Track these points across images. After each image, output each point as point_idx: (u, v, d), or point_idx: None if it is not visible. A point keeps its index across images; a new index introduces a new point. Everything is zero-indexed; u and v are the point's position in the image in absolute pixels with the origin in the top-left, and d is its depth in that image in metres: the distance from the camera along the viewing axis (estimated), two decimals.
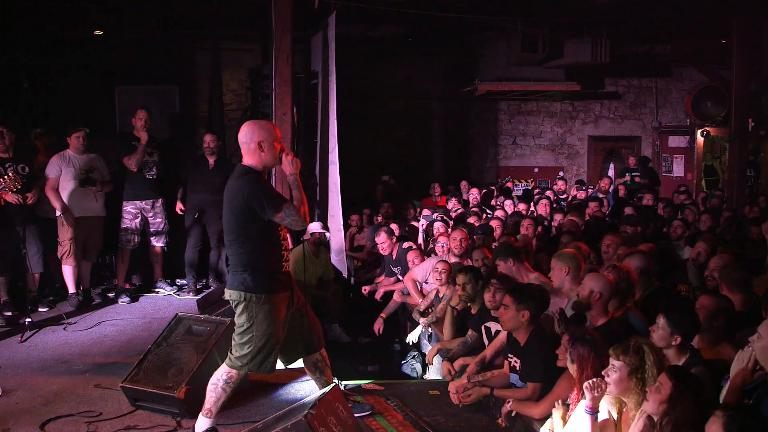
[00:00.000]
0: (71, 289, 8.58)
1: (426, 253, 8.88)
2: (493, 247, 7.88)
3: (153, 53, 12.21)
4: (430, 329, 7.26)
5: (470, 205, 11.71)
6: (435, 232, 9.26)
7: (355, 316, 9.02)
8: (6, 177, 6.90)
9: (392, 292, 8.61)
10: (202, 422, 4.70)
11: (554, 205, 11.40)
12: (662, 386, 3.50)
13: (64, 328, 7.72)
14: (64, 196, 8.37)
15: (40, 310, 8.32)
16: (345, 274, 9.60)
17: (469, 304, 6.49)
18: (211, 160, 9.24)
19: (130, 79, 12.23)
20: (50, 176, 8.35)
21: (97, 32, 12.03)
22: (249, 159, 4.66)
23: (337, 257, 9.49)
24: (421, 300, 7.83)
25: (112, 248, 9.28)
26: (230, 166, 8.33)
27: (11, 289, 8.27)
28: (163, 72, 12.41)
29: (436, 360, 6.45)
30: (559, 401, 4.32)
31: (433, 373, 6.57)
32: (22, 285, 8.17)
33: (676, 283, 6.87)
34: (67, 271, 8.54)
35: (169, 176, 9.45)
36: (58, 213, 8.37)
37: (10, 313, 7.92)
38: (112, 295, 9.05)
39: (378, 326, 8.23)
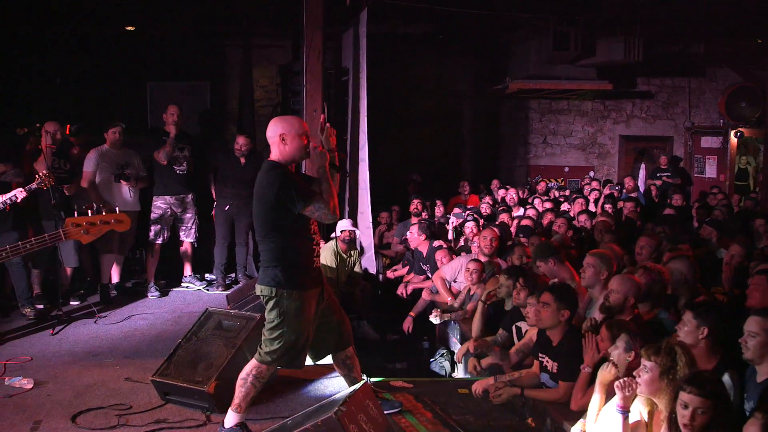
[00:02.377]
0: (104, 280, 8.67)
1: (455, 251, 8.85)
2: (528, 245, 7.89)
3: (184, 49, 12.26)
4: (438, 319, 7.34)
5: (505, 204, 11.66)
6: (468, 232, 9.21)
7: (383, 313, 9.01)
8: (39, 175, 6.95)
9: (421, 290, 8.59)
10: (232, 417, 4.70)
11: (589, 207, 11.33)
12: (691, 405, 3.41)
13: (95, 322, 7.78)
14: (100, 190, 8.47)
15: (71, 303, 8.40)
16: (374, 272, 9.59)
17: (504, 300, 6.46)
18: (243, 159, 9.27)
19: (162, 75, 12.32)
20: (87, 170, 8.45)
21: (129, 28, 12.10)
22: (275, 153, 4.67)
23: (366, 254, 9.48)
24: (450, 298, 7.81)
25: (142, 243, 9.36)
26: (261, 161, 8.36)
27: (43, 282, 8.39)
28: (195, 68, 12.47)
29: (465, 358, 6.42)
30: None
31: (462, 372, 6.53)
32: (53, 278, 8.26)
33: (710, 286, 6.75)
34: (105, 262, 8.64)
35: (200, 172, 9.50)
36: (95, 206, 8.46)
37: (42, 306, 8.01)
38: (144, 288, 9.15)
39: (407, 325, 8.21)
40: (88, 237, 4.32)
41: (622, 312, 5.13)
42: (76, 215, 5.02)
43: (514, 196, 12.20)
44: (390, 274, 9.86)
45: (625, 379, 3.86)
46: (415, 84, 15.02)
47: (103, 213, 4.38)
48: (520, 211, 11.16)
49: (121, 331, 7.54)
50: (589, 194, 12.36)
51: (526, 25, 12.66)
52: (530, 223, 9.28)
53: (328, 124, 4.80)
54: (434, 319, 7.50)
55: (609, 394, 4.12)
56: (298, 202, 4.46)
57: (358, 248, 9.13)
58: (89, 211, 4.50)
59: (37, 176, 6.95)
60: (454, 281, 8.11)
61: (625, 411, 3.83)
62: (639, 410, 3.91)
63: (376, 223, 10.73)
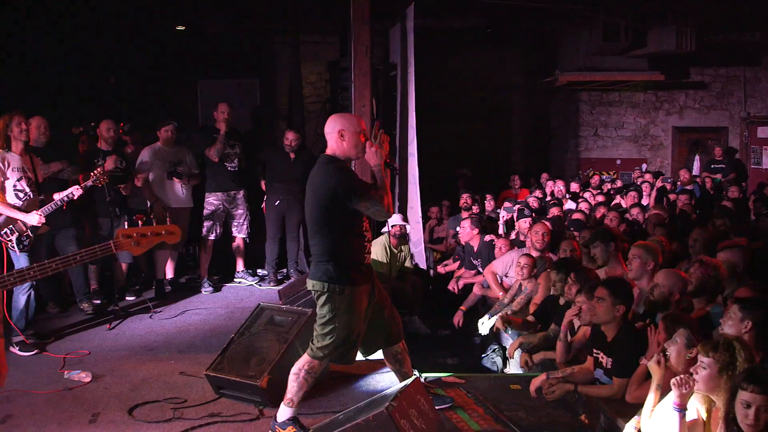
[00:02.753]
0: (159, 276, 8.81)
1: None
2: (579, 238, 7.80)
3: (234, 47, 12.38)
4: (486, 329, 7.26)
5: (553, 197, 11.55)
6: (524, 227, 9.10)
7: (434, 308, 8.99)
8: (95, 172, 7.08)
9: (472, 285, 8.56)
10: (284, 411, 4.73)
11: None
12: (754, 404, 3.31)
13: (150, 317, 7.92)
14: (153, 187, 8.61)
15: (127, 298, 8.56)
16: (423, 266, 9.57)
17: (558, 295, 6.42)
18: (293, 154, 9.33)
19: (212, 73, 12.44)
20: (141, 168, 8.60)
21: (180, 27, 12.25)
22: (331, 148, 4.69)
23: (416, 249, 9.47)
24: (501, 293, 7.77)
25: (196, 239, 9.48)
26: (311, 156, 8.40)
27: (100, 278, 8.56)
28: (244, 66, 12.57)
29: (517, 354, 6.39)
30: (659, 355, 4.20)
31: (514, 367, 6.49)
32: (110, 274, 8.43)
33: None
34: (160, 258, 8.78)
35: (251, 168, 9.58)
36: (149, 204, 8.62)
37: (99, 301, 8.20)
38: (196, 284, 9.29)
39: (458, 319, 8.19)
40: (139, 249, 4.21)
41: (666, 307, 5.05)
42: (126, 226, 4.94)
43: (561, 188, 12.07)
44: (441, 269, 9.84)
45: (682, 376, 3.78)
46: (464, 78, 14.94)
47: (154, 224, 4.38)
48: (569, 204, 11.04)
49: (176, 326, 7.67)
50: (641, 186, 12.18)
51: (576, 16, 12.51)
52: (582, 217, 9.17)
53: (381, 131, 4.80)
54: (483, 329, 7.45)
55: (663, 390, 4.06)
56: (355, 197, 4.48)
57: (409, 243, 9.12)
58: (139, 222, 4.51)
59: (92, 174, 7.07)
60: (506, 276, 8.06)
61: (681, 409, 3.76)
62: (696, 407, 3.83)
63: (426, 218, 10.71)
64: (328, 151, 4.69)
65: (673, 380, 3.78)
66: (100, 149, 8.26)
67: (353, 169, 5.19)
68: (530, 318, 6.69)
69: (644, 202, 11.09)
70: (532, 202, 10.85)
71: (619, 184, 13.87)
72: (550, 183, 12.82)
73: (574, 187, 12.57)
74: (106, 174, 7.17)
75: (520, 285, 7.41)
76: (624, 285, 5.22)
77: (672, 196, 11.28)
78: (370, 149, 4.66)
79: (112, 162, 7.91)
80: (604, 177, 14.86)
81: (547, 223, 8.37)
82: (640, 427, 4.16)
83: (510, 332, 7.01)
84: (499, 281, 8.07)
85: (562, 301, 6.30)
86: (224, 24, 12.28)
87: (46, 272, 3.96)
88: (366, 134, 4.73)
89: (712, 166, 14.05)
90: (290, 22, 12.51)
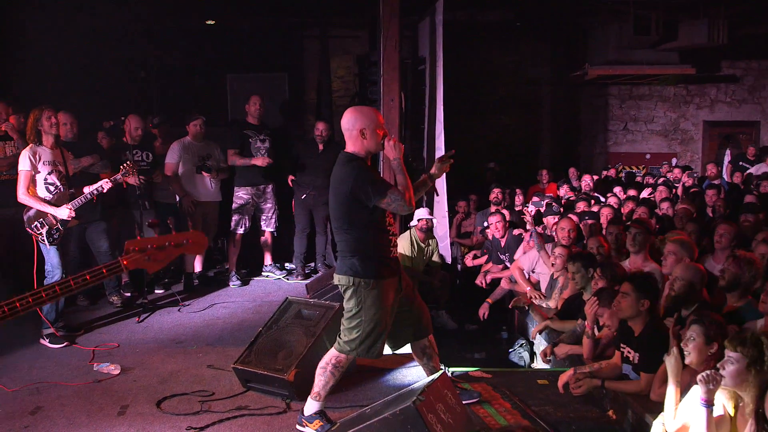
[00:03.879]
0: (188, 269, 8.87)
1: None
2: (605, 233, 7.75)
3: (263, 42, 12.42)
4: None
5: (580, 192, 11.46)
6: (551, 224, 9.04)
7: (461, 303, 8.98)
8: (125, 165, 7.15)
9: (500, 279, 8.53)
10: (311, 405, 4.75)
11: (673, 193, 11.05)
12: None
13: (179, 310, 7.98)
14: (182, 181, 8.67)
15: (156, 291, 8.64)
16: (449, 261, 9.55)
17: (582, 290, 6.38)
18: (321, 145, 9.35)
19: (241, 68, 12.49)
20: (170, 162, 8.66)
21: (209, 22, 12.31)
22: (352, 145, 4.66)
23: (442, 243, 9.45)
24: (529, 288, 7.74)
25: (224, 233, 9.54)
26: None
27: (130, 271, 8.61)
28: (273, 60, 12.61)
29: (540, 337, 6.38)
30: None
31: (541, 362, 6.47)
32: None
33: None
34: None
35: (280, 162, 9.62)
36: (178, 198, 8.67)
37: (129, 294, 8.28)
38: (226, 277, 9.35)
39: (483, 311, 8.17)
40: (156, 265, 3.55)
41: (688, 300, 5.00)
42: (139, 237, 3.99)
43: (589, 182, 11.97)
44: (469, 261, 9.79)
45: (709, 372, 3.74)
46: (493, 72, 14.88)
47: (173, 232, 3.71)
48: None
49: (204, 319, 7.72)
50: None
51: (606, 9, 12.41)
52: (611, 212, 9.08)
53: (395, 140, 4.76)
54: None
55: (682, 387, 4.02)
56: (374, 196, 4.46)
57: (436, 237, 9.11)
58: (154, 231, 3.88)
59: (121, 167, 7.14)
60: (532, 271, 8.04)
61: (709, 404, 3.72)
62: (722, 403, 3.78)
63: (453, 212, 10.68)
64: (348, 149, 4.66)
65: (699, 376, 3.73)
66: (128, 144, 8.32)
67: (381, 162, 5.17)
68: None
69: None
70: (564, 197, 10.77)
71: (650, 180, 13.69)
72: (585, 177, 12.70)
73: (587, 180, 12.39)
74: (135, 167, 7.24)
75: (552, 275, 7.39)
76: (648, 280, 5.16)
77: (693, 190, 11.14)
78: (389, 143, 4.63)
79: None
80: (634, 171, 14.69)
81: (574, 217, 8.30)
82: (665, 425, 4.12)
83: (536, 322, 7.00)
84: (526, 277, 8.04)
85: (586, 296, 6.27)
86: (254, 18, 12.32)
87: (38, 302, 3.21)
88: (384, 128, 4.70)
89: (740, 163, 13.81)
90: (319, 16, 12.52)
